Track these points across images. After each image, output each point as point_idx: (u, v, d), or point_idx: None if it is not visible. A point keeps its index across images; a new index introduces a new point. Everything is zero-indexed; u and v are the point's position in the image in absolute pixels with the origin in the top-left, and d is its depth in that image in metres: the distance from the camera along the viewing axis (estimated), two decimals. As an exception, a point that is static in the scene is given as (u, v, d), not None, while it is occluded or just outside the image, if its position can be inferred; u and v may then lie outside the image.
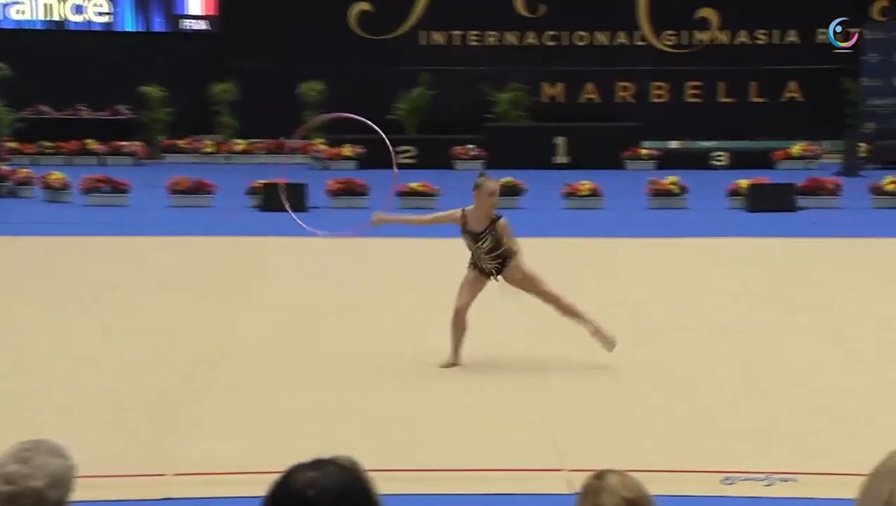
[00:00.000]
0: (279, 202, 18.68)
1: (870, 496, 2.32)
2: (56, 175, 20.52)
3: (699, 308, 11.65)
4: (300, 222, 9.62)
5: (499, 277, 9.35)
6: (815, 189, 19.81)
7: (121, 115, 27.37)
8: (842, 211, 19.16)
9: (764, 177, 20.32)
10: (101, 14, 28.96)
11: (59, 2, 28.88)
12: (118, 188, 20.00)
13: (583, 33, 27.75)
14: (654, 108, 27.43)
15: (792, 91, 27.51)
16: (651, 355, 9.74)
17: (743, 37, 27.62)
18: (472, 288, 9.39)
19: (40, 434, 7.29)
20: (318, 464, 2.42)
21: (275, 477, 2.45)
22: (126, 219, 18.16)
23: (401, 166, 24.03)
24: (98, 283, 12.79)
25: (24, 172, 21.45)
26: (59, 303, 11.70)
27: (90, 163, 24.90)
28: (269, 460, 2.70)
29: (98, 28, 28.98)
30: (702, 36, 27.63)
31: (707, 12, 27.48)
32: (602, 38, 27.82)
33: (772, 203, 18.99)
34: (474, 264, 9.41)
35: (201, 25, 28.86)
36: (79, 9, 28.87)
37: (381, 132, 9.89)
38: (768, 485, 6.64)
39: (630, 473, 2.83)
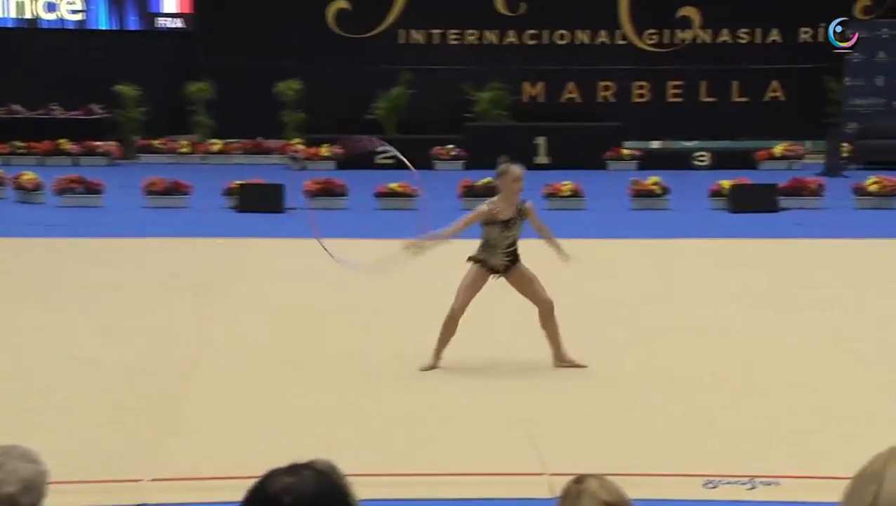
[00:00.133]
0: (256, 203, 18.73)
1: (853, 500, 2.32)
2: (28, 175, 20.28)
3: (694, 309, 11.62)
4: (328, 250, 9.46)
5: (501, 275, 9.25)
6: (797, 190, 19.78)
7: (95, 114, 27.08)
8: (825, 211, 19.13)
9: (746, 177, 20.28)
10: (74, 12, 28.65)
11: (31, 0, 28.54)
12: (92, 189, 19.82)
13: (564, 32, 27.56)
14: (636, 107, 27.30)
15: (774, 91, 27.40)
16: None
17: (725, 36, 27.49)
18: (472, 289, 9.27)
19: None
20: (294, 469, 2.40)
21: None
22: (100, 220, 17.96)
23: (380, 167, 24.06)
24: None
25: (-5, 172, 21.21)
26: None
27: (63, 163, 24.62)
28: (268, 462, 2.56)
29: (71, 26, 28.67)
30: (684, 35, 27.48)
31: (689, 11, 27.33)
32: (583, 36, 27.64)
33: (754, 204, 18.94)
34: (481, 261, 9.25)
35: (176, 24, 28.62)
36: (51, 7, 28.54)
37: (412, 167, 9.80)
38: (751, 489, 6.62)
39: (611, 477, 2.84)
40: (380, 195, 19.41)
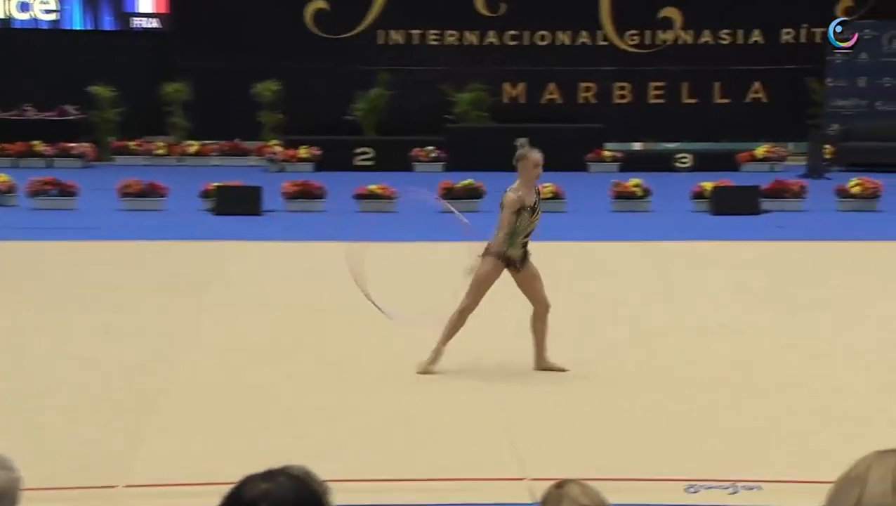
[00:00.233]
0: (233, 205, 18.51)
1: (836, 503, 2.32)
2: (1, 177, 20.04)
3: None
4: (372, 305, 9.34)
5: (517, 268, 9.13)
6: (779, 192, 19.74)
7: (69, 115, 26.81)
8: (807, 214, 19.10)
9: (728, 179, 20.24)
10: (47, 12, 28.37)
11: (4, 0, 28.22)
12: (66, 191, 19.59)
13: (544, 33, 27.43)
14: (617, 109, 27.19)
15: (756, 92, 27.32)
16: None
17: (707, 37, 27.39)
18: (486, 284, 9.10)
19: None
20: (270, 475, 2.41)
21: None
22: (74, 222, 17.75)
23: (358, 168, 23.87)
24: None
25: (-32, 174, 20.93)
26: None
27: (37, 165, 24.35)
28: (249, 466, 2.58)
29: (45, 26, 28.40)
30: (665, 36, 27.34)
31: (670, 12, 27.22)
32: (564, 37, 27.50)
33: (736, 206, 18.90)
34: (498, 254, 9.07)
35: (152, 23, 28.35)
36: (25, 6, 28.24)
37: (465, 221, 9.52)
38: (733, 493, 6.59)
39: (592, 481, 2.85)
40: (359, 197, 19.25)
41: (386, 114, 26.26)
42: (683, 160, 24.88)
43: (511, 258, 9.12)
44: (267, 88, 26.14)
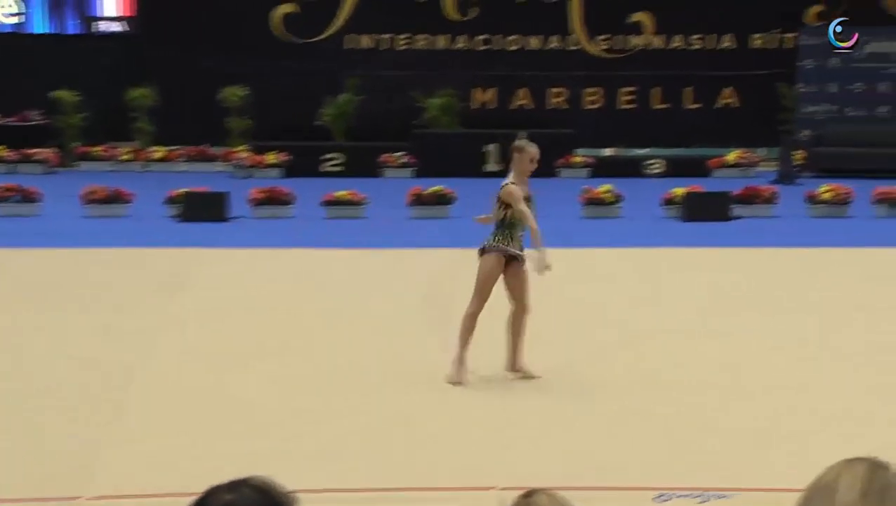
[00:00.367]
0: (200, 212, 18.29)
1: None
2: (-38, 184, 19.81)
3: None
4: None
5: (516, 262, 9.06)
6: (750, 198, 19.72)
7: (32, 120, 26.45)
8: (778, 220, 19.12)
9: (699, 185, 20.22)
10: (10, 15, 27.99)
11: (-34, 3, 27.87)
12: (29, 197, 19.40)
13: (515, 38, 27.26)
14: (588, 114, 27.06)
15: (728, 97, 27.25)
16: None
17: (678, 42, 27.30)
18: (490, 283, 8.99)
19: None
20: (233, 486, 2.40)
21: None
22: (37, 229, 17.58)
23: (327, 174, 23.65)
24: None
25: (-73, 180, 20.65)
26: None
27: (-1, 171, 24.08)
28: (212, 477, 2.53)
29: (8, 30, 28.02)
30: (636, 41, 27.24)
31: (641, 16, 27.11)
32: (535, 42, 27.35)
33: (707, 212, 18.88)
34: (498, 249, 8.97)
35: (117, 27, 28.00)
36: (-13, 10, 27.86)
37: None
38: (703, 502, 6.61)
39: (561, 491, 2.85)
40: (327, 203, 19.07)
41: (355, 119, 26.04)
42: (654, 166, 24.77)
43: (510, 252, 9.02)
44: (234, 93, 25.87)
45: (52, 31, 28.10)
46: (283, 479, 2.44)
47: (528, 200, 9.10)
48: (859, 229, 18.03)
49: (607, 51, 27.34)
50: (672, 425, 8.04)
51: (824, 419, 8.18)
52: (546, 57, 27.19)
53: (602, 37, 27.28)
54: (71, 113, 26.18)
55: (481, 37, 27.27)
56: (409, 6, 26.99)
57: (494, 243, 9.03)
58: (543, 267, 8.85)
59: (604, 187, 19.71)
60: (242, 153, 24.82)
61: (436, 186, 19.67)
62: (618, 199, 19.52)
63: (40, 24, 28.16)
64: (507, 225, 9.02)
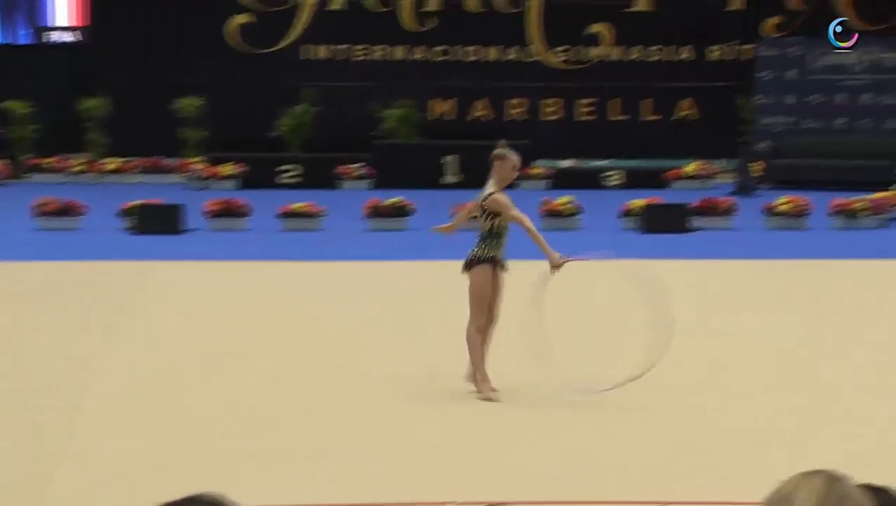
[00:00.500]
0: (154, 224, 18.07)
1: None
2: None
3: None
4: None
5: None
6: (709, 209, 19.75)
7: (-18, 132, 26.05)
8: (736, 232, 19.18)
9: (658, 197, 20.25)
10: (-40, 25, 27.59)
11: (-85, 12, 27.46)
12: (-23, 210, 19.00)
13: (473, 48, 27.14)
14: (546, 125, 26.97)
15: (686, 109, 27.24)
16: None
17: (636, 53, 27.28)
18: (485, 296, 8.85)
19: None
20: (184, 503, 2.37)
21: None
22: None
23: (284, 186, 23.42)
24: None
25: None
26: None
27: (-52, 183, 23.75)
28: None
29: (-42, 40, 27.62)
30: (595, 52, 27.19)
31: (600, 28, 27.06)
32: (493, 53, 27.25)
33: (666, 224, 18.93)
34: (490, 260, 8.84)
35: (69, 37, 27.66)
36: (-63, 19, 27.45)
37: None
38: None
39: (530, 504, 2.90)
40: (283, 215, 18.89)
41: (312, 130, 25.81)
42: (613, 178, 24.72)
43: (498, 260, 8.92)
44: (189, 104, 25.59)
45: (3, 42, 27.80)
46: (240, 494, 2.36)
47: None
48: (817, 241, 18.09)
49: (566, 62, 27.28)
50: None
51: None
52: (504, 68, 27.09)
53: (560, 48, 27.22)
54: (22, 124, 25.83)
55: (439, 48, 27.14)
56: (367, 17, 26.81)
57: (483, 255, 8.86)
58: (562, 264, 8.90)
59: (563, 199, 19.66)
60: (198, 165, 24.55)
61: (394, 197, 19.50)
62: (577, 210, 19.46)
63: (-10, 35, 27.85)
64: (495, 234, 8.90)
